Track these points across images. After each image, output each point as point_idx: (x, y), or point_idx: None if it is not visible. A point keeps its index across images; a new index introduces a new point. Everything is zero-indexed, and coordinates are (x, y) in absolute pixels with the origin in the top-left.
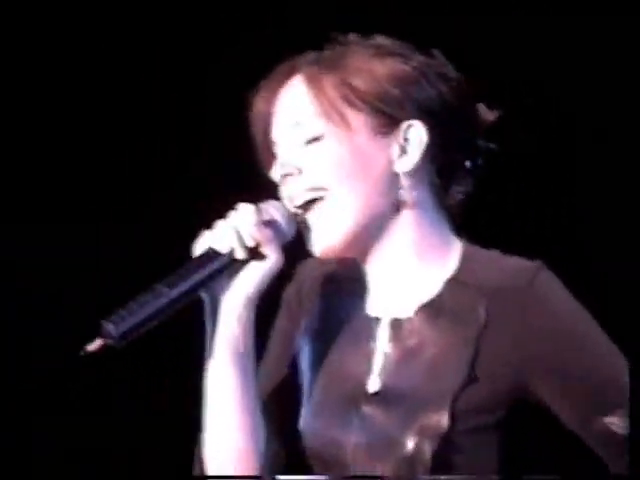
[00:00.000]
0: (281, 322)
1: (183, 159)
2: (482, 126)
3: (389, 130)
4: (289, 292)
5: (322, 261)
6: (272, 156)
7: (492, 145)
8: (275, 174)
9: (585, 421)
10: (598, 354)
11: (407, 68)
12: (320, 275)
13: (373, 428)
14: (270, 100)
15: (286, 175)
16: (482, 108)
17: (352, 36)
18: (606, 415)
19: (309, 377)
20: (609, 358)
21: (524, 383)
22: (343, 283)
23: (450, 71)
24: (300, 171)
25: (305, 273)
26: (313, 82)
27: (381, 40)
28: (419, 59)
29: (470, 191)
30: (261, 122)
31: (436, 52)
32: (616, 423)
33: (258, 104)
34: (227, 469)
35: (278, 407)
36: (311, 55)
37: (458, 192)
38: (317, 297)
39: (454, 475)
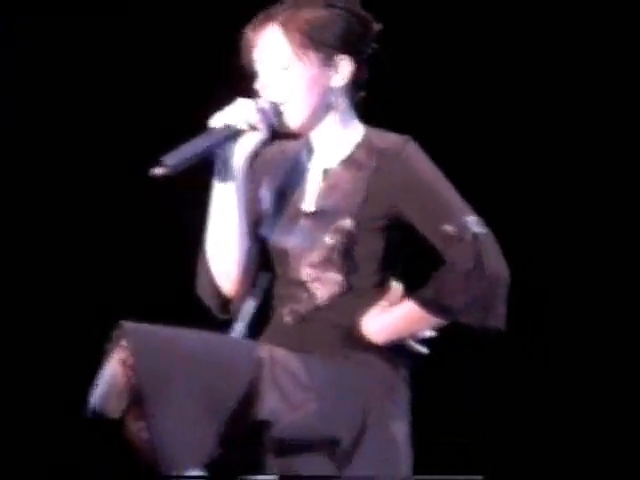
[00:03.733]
0: (251, 176)
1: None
2: (373, 36)
3: (330, 61)
4: (256, 161)
5: (276, 144)
6: (252, 69)
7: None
8: (258, 86)
9: (432, 229)
10: (436, 189)
11: (336, 16)
12: (276, 150)
13: (307, 234)
14: (255, 36)
15: (264, 88)
16: (374, 23)
17: None
18: (443, 224)
19: (269, 207)
20: (443, 192)
21: (395, 204)
22: (292, 154)
23: (357, 8)
24: (275, 88)
25: (265, 151)
26: (284, 29)
27: None
28: (342, 5)
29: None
30: (247, 50)
31: None
32: (448, 228)
33: (247, 38)
34: (225, 258)
35: (250, 224)
36: (279, 7)
37: (360, 93)
38: (274, 162)
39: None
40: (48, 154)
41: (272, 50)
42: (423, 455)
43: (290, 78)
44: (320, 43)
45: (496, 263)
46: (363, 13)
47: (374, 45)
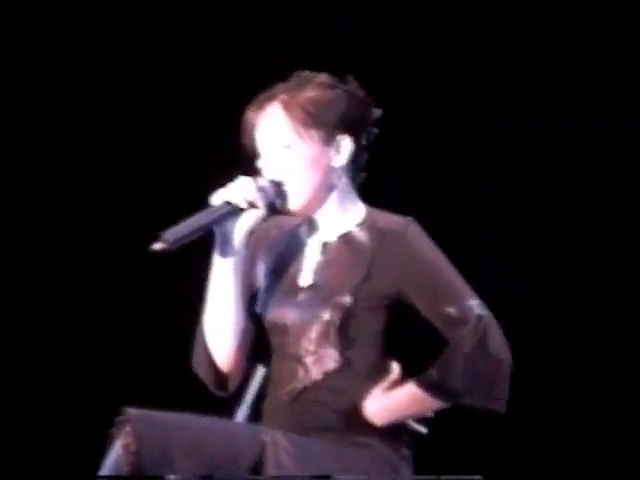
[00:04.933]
0: (247, 252)
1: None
2: (374, 120)
3: (331, 141)
4: (251, 237)
5: (272, 218)
6: (254, 148)
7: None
8: (261, 165)
9: (435, 311)
10: (440, 272)
11: (338, 97)
12: (272, 225)
13: (304, 307)
14: (257, 116)
15: (268, 167)
16: (374, 108)
17: (306, 73)
18: (447, 306)
19: (265, 281)
20: (448, 276)
21: (397, 286)
22: (288, 228)
23: (358, 91)
24: (277, 166)
25: (260, 225)
26: (287, 108)
27: (323, 76)
28: (344, 88)
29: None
30: (249, 129)
31: (350, 78)
32: (451, 311)
33: (248, 117)
34: (222, 334)
35: (247, 301)
36: (281, 87)
37: (361, 174)
38: (270, 236)
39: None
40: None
41: (274, 128)
42: (422, 455)
43: (292, 156)
44: (322, 122)
45: (499, 346)
46: (364, 96)
47: (374, 130)
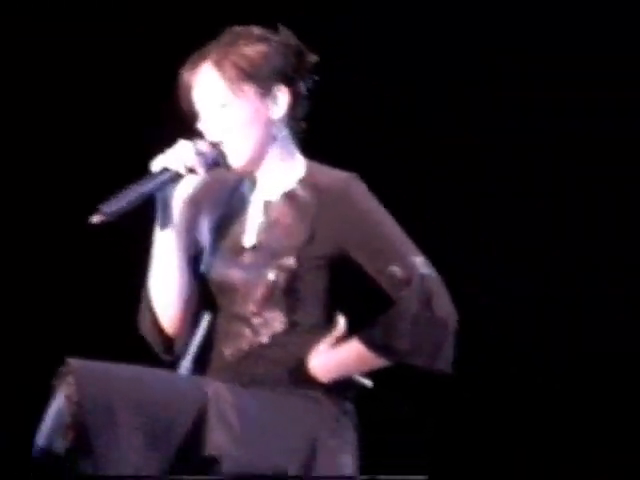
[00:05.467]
0: (189, 208)
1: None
2: (310, 67)
3: (267, 94)
4: (193, 193)
5: (218, 172)
6: (194, 110)
7: (316, 79)
8: (201, 126)
9: (379, 269)
10: (383, 230)
11: (270, 49)
12: (214, 179)
13: (249, 268)
14: (191, 77)
15: (207, 128)
16: (309, 55)
17: (236, 28)
18: (390, 264)
19: (209, 239)
20: (390, 232)
21: (341, 245)
22: (231, 183)
23: (292, 40)
24: (215, 127)
25: (205, 181)
26: (219, 67)
27: (254, 29)
28: (276, 39)
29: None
30: (185, 92)
31: (281, 27)
32: (395, 269)
33: (183, 79)
34: (168, 299)
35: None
36: (213, 45)
37: (301, 124)
38: (213, 191)
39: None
40: None
41: (208, 89)
42: (368, 455)
43: (229, 115)
44: (255, 76)
45: (444, 306)
46: (298, 45)
47: (312, 76)
